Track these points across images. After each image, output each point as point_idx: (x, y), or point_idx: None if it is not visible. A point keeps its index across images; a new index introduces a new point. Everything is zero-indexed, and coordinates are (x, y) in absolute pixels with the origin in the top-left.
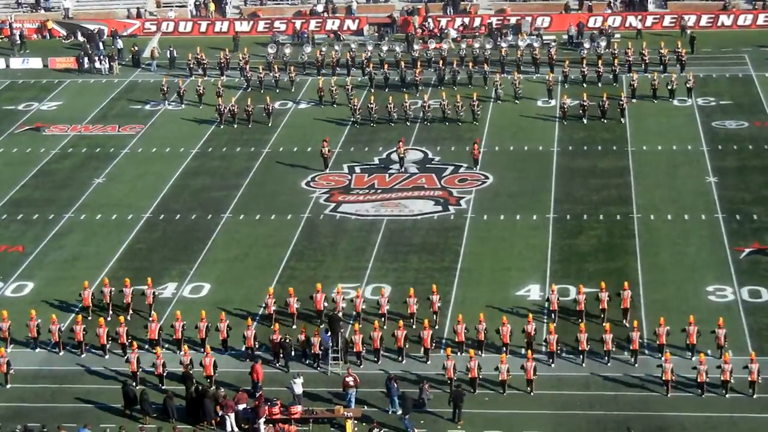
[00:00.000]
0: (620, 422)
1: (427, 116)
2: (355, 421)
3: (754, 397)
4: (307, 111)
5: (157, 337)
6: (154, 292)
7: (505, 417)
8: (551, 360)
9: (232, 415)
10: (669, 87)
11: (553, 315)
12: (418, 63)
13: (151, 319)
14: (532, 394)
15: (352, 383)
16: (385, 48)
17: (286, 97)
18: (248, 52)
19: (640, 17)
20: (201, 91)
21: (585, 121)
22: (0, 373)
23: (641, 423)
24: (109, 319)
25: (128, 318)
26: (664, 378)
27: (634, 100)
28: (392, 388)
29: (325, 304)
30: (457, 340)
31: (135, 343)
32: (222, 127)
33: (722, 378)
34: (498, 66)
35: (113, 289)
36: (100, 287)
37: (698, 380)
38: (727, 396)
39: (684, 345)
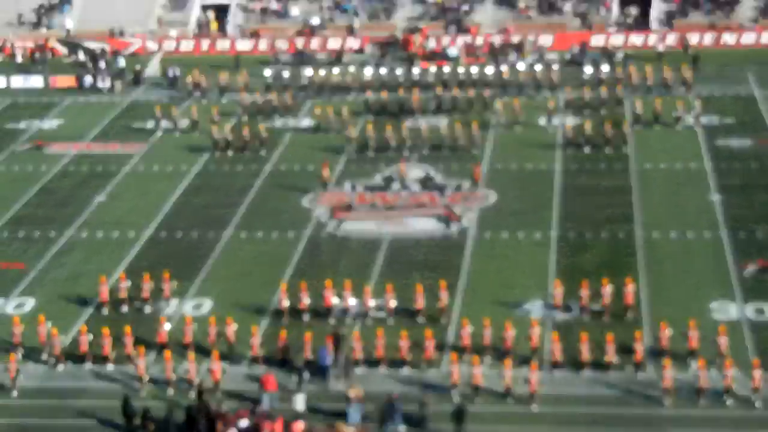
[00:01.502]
0: None
1: (425, 146)
2: None
3: (756, 404)
4: (308, 132)
5: (167, 341)
6: (171, 287)
7: None
8: (553, 371)
9: (234, 431)
10: (674, 115)
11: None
12: (416, 90)
13: (160, 321)
14: (534, 409)
15: (354, 398)
16: (384, 71)
17: (287, 116)
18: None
19: (642, 36)
20: (194, 118)
21: (587, 149)
22: (9, 379)
23: None
24: (125, 311)
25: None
26: (663, 385)
27: (637, 127)
28: (396, 407)
29: (335, 301)
30: (462, 344)
31: (142, 348)
32: (218, 154)
33: (723, 384)
34: (499, 88)
35: (129, 283)
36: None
37: (698, 386)
38: (727, 403)
39: (685, 351)
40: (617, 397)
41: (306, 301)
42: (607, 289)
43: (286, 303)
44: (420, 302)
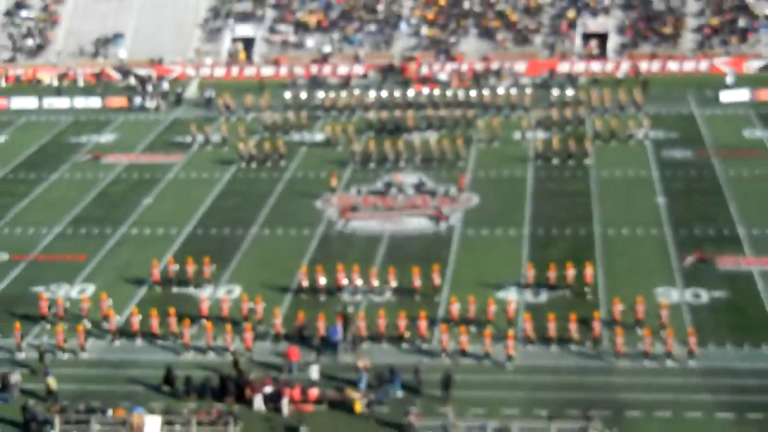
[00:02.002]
0: (584, 404)
1: (418, 157)
2: (363, 401)
3: (691, 364)
4: (320, 146)
5: (207, 312)
6: (211, 270)
7: (486, 398)
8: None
9: (259, 396)
10: (627, 133)
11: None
12: (410, 112)
13: (202, 298)
14: (510, 367)
15: (362, 368)
16: (384, 93)
17: (302, 132)
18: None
19: (601, 64)
20: (224, 134)
21: (555, 161)
22: (78, 345)
23: (603, 404)
24: (174, 290)
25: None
26: (616, 350)
27: (597, 142)
28: (396, 376)
29: (345, 282)
30: (450, 318)
31: (187, 320)
32: (243, 166)
33: (666, 349)
34: (480, 108)
35: (177, 267)
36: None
37: (644, 350)
38: (669, 364)
39: (633, 322)
40: (579, 366)
41: (322, 281)
42: (570, 272)
43: (305, 283)
44: (417, 282)
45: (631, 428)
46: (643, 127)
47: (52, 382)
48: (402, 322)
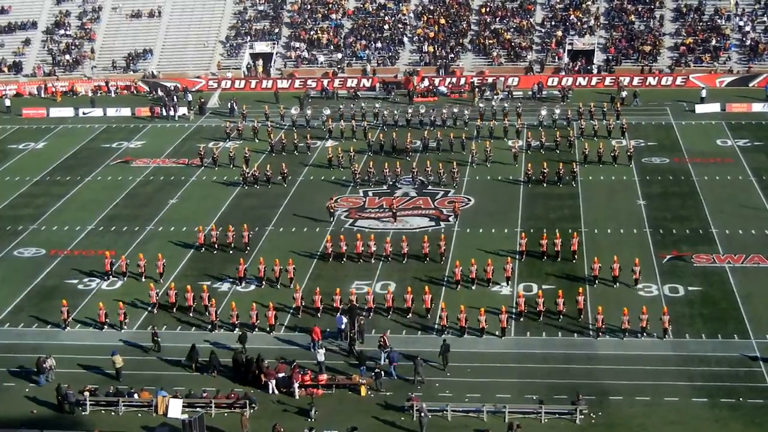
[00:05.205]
0: (571, 388)
1: (416, 181)
2: (368, 387)
3: (665, 339)
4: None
5: (243, 275)
6: (249, 234)
7: (480, 384)
8: (521, 318)
9: (273, 381)
10: (612, 154)
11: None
12: (408, 135)
13: (239, 262)
14: (503, 338)
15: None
16: (386, 112)
17: (317, 136)
18: (269, 109)
19: (587, 78)
20: (232, 155)
21: (545, 185)
22: (118, 321)
23: (587, 389)
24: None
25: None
26: (597, 326)
27: (585, 166)
28: (394, 356)
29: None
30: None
31: (214, 300)
32: (246, 188)
33: (641, 325)
34: (474, 130)
35: (218, 231)
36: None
37: (622, 327)
38: (643, 338)
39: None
40: (566, 356)
41: (344, 247)
42: (558, 240)
43: (330, 248)
44: (426, 248)
45: (615, 411)
46: (629, 150)
47: (118, 360)
48: (408, 296)
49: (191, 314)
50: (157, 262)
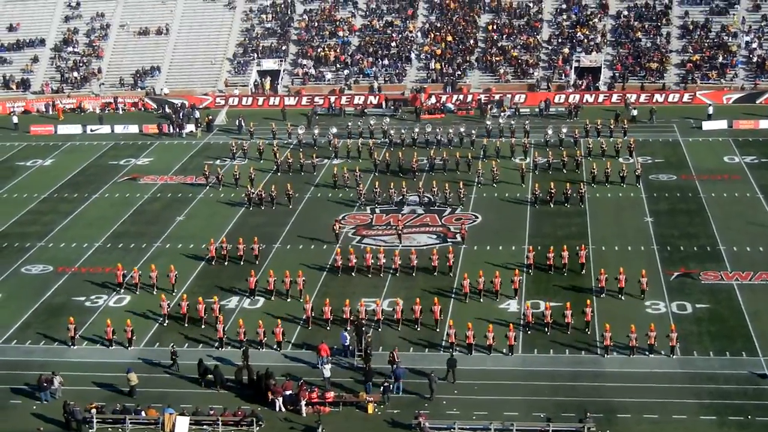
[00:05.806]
0: (579, 406)
1: (423, 200)
2: (376, 404)
3: (673, 356)
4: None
5: (254, 288)
6: (259, 247)
7: (488, 401)
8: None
9: (280, 399)
10: (620, 174)
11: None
12: (415, 154)
13: (250, 274)
14: (511, 356)
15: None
16: (392, 131)
17: (323, 155)
18: (276, 127)
19: (593, 95)
20: (237, 175)
21: (552, 205)
22: (126, 338)
23: (595, 406)
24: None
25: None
26: (604, 344)
27: (593, 185)
28: (399, 372)
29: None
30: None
31: (222, 316)
32: (251, 208)
33: (648, 343)
34: (480, 150)
35: (229, 246)
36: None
37: (629, 345)
38: (651, 356)
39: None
40: (573, 373)
41: (353, 260)
42: (565, 253)
43: (339, 262)
44: (435, 260)
45: (622, 429)
46: (637, 168)
47: (133, 377)
48: (417, 308)
49: (203, 326)
50: (170, 273)
